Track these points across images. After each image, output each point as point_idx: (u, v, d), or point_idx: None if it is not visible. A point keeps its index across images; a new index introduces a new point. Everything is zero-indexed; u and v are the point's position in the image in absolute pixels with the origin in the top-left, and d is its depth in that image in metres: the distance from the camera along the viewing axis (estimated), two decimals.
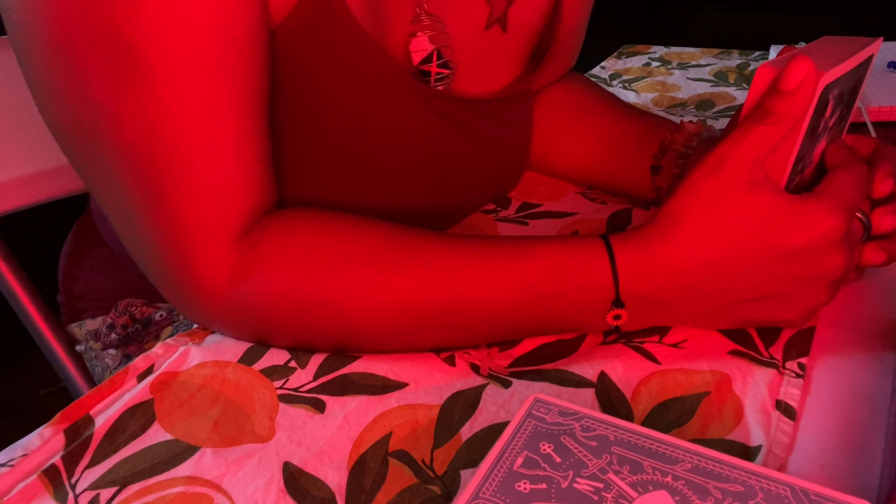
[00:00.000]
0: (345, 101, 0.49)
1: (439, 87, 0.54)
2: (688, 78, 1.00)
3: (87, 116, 0.40)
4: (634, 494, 0.29)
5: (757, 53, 1.08)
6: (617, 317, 0.43)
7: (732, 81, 0.97)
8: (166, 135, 0.40)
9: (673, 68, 1.04)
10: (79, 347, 0.72)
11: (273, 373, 0.44)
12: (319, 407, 0.41)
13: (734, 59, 1.06)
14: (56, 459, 0.38)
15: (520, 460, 0.31)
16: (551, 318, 0.44)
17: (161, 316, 0.69)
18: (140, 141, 0.40)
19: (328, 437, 0.39)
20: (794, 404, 0.39)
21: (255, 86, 0.43)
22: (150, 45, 0.38)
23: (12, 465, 0.38)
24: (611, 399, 0.40)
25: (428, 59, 0.53)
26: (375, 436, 0.39)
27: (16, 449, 0.39)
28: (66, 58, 0.39)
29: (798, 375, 0.41)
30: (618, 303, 0.42)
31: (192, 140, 0.41)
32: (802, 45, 0.46)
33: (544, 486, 0.30)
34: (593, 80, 0.88)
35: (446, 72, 0.54)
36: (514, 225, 0.62)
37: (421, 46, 0.52)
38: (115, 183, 0.42)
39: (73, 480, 0.37)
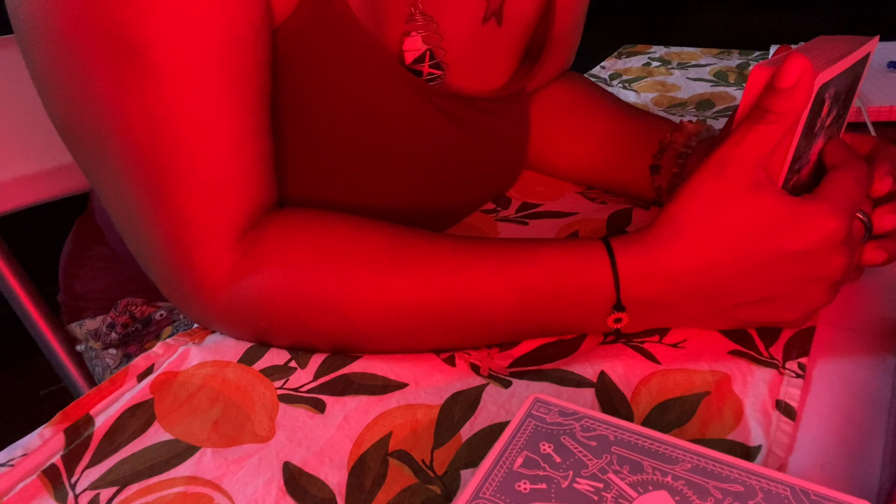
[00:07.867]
0: (345, 98, 0.49)
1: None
2: (688, 78, 1.00)
3: (92, 113, 0.40)
4: (634, 494, 0.29)
5: (757, 53, 1.08)
6: (618, 320, 0.43)
7: (732, 81, 0.97)
8: (169, 133, 0.40)
9: (673, 68, 1.04)
10: (79, 347, 0.72)
11: (273, 373, 0.44)
12: (319, 407, 0.41)
13: (734, 59, 1.06)
14: (56, 459, 0.38)
15: (520, 460, 0.31)
16: (551, 321, 0.44)
17: (161, 315, 0.69)
18: (143, 139, 0.40)
19: (328, 437, 0.39)
20: (794, 404, 0.39)
21: (257, 85, 0.43)
22: (155, 44, 0.38)
23: (12, 465, 0.38)
24: (611, 399, 0.40)
25: (420, 59, 0.53)
26: (375, 436, 0.39)
27: (16, 449, 0.39)
28: (71, 55, 0.39)
29: (798, 375, 0.41)
30: (619, 307, 0.42)
31: (195, 138, 0.41)
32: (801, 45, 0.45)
33: (544, 486, 0.30)
34: (593, 80, 0.88)
35: (438, 73, 0.54)
36: (514, 225, 0.62)
37: (414, 46, 0.52)
38: (118, 180, 0.42)
39: (73, 480, 0.37)
